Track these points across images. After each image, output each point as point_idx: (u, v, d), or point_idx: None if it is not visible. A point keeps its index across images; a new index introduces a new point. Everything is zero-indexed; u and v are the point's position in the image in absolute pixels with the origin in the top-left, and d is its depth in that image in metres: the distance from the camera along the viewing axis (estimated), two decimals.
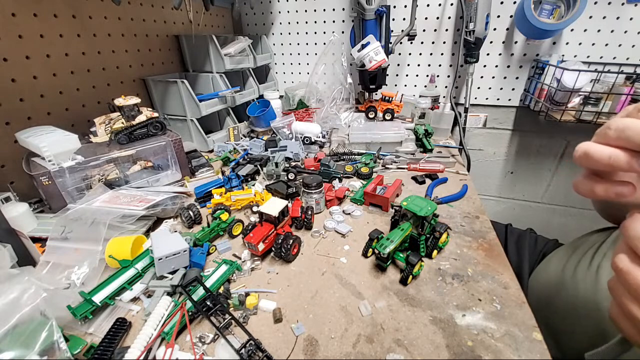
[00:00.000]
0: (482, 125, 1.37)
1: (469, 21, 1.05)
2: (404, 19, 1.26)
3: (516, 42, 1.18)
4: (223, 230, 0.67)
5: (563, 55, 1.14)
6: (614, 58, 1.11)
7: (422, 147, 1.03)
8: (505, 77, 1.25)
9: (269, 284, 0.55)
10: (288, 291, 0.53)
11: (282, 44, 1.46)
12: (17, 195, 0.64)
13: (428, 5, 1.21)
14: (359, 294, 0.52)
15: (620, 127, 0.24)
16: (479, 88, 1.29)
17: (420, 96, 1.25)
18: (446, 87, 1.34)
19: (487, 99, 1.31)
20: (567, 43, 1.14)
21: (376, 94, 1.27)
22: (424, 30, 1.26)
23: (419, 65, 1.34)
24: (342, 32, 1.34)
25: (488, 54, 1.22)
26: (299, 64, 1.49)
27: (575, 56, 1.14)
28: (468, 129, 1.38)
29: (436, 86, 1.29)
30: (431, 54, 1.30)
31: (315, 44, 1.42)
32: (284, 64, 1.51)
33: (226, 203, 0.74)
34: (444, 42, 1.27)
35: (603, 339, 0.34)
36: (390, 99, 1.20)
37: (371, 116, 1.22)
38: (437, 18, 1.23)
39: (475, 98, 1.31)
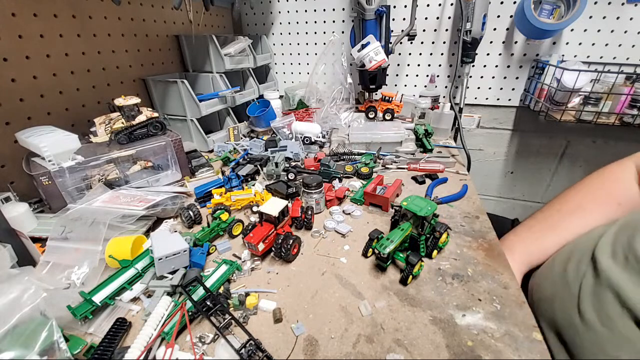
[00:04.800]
0: (475, 126, 1.37)
1: (465, 21, 1.05)
2: (404, 19, 1.26)
3: (516, 42, 1.18)
4: (223, 230, 0.67)
5: (563, 55, 1.14)
6: (614, 58, 1.11)
7: (422, 147, 1.03)
8: (505, 77, 1.25)
9: (269, 284, 0.55)
10: (288, 291, 0.53)
11: (282, 44, 1.46)
12: (17, 195, 0.64)
13: (428, 5, 1.21)
14: (359, 294, 0.52)
15: None
16: (479, 88, 1.29)
17: (420, 96, 1.25)
18: (446, 87, 1.34)
19: (487, 99, 1.31)
20: (567, 43, 1.14)
21: (376, 94, 1.27)
22: (424, 30, 1.26)
23: (419, 65, 1.34)
24: (342, 32, 1.34)
25: (488, 54, 1.23)
26: (299, 64, 1.49)
27: (575, 56, 1.14)
28: (463, 129, 1.38)
29: (436, 86, 1.29)
30: (431, 54, 1.30)
31: (315, 44, 1.42)
32: (284, 64, 1.51)
33: (226, 203, 0.74)
34: (444, 42, 1.27)
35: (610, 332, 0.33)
36: (390, 99, 1.20)
37: (371, 116, 1.22)
38: (437, 18, 1.23)
39: (475, 98, 1.31)
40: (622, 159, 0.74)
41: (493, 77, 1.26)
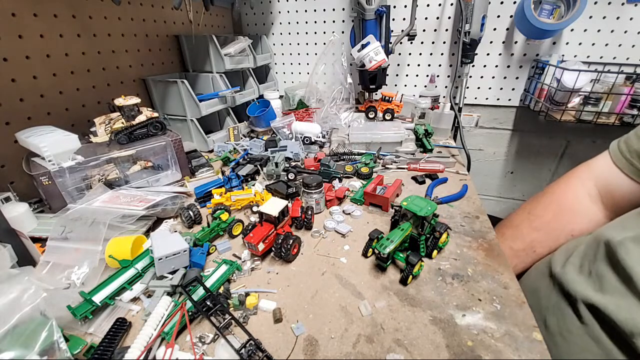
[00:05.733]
0: (474, 125, 1.37)
1: (464, 22, 1.05)
2: (404, 19, 1.26)
3: (516, 42, 1.18)
4: (223, 230, 0.67)
5: (563, 55, 1.14)
6: (614, 58, 1.11)
7: (422, 147, 1.03)
8: (505, 77, 1.25)
9: (269, 284, 0.55)
10: (288, 291, 0.53)
11: (282, 44, 1.46)
12: (17, 195, 0.64)
13: (428, 5, 1.21)
14: (359, 294, 0.52)
15: None
16: (479, 88, 1.29)
17: (420, 96, 1.25)
18: (446, 87, 1.34)
19: (487, 98, 1.31)
20: (567, 43, 1.14)
21: (376, 94, 1.26)
22: (424, 30, 1.26)
23: (419, 65, 1.34)
24: (342, 32, 1.34)
25: (488, 54, 1.23)
26: (299, 64, 1.49)
27: (575, 56, 1.14)
28: (462, 128, 1.38)
29: (436, 86, 1.29)
30: (431, 54, 1.30)
31: (315, 44, 1.42)
32: (284, 64, 1.51)
33: (226, 203, 0.74)
34: (444, 42, 1.27)
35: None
36: (390, 99, 1.20)
37: (371, 116, 1.22)
38: (437, 18, 1.23)
39: (475, 98, 1.31)
40: (579, 171, 0.71)
41: (493, 77, 1.26)
